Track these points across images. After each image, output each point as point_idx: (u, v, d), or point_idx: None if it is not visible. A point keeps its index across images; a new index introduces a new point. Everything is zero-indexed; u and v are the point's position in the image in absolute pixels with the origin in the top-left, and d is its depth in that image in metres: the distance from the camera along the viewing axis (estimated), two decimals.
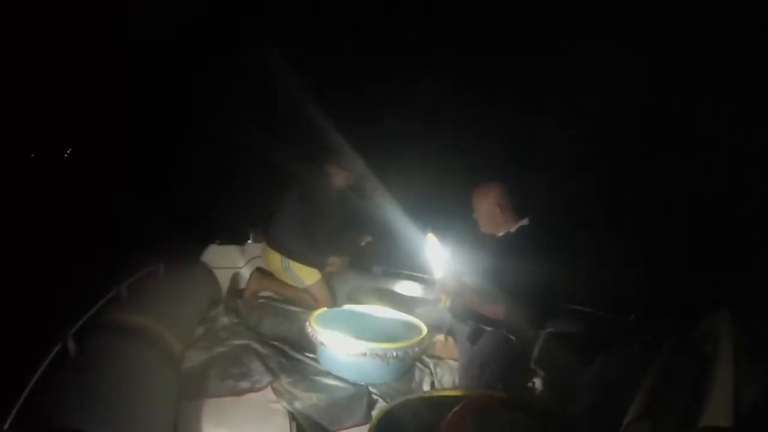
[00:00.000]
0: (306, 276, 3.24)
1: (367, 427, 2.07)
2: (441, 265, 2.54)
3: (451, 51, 6.65)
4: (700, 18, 4.65)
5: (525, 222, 2.53)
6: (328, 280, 3.37)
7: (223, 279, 3.39)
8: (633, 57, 5.18)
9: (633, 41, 5.22)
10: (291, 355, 2.57)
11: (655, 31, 5.12)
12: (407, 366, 2.46)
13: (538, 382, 2.27)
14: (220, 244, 3.49)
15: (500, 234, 2.57)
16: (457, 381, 2.42)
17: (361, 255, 3.53)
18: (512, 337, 2.37)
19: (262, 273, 3.35)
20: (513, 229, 2.54)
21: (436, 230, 2.61)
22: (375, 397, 2.26)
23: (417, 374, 2.49)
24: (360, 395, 2.22)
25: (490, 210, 2.54)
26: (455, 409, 1.57)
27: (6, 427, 1.31)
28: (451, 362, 2.60)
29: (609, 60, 5.22)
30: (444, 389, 2.35)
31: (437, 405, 1.66)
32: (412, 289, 3.41)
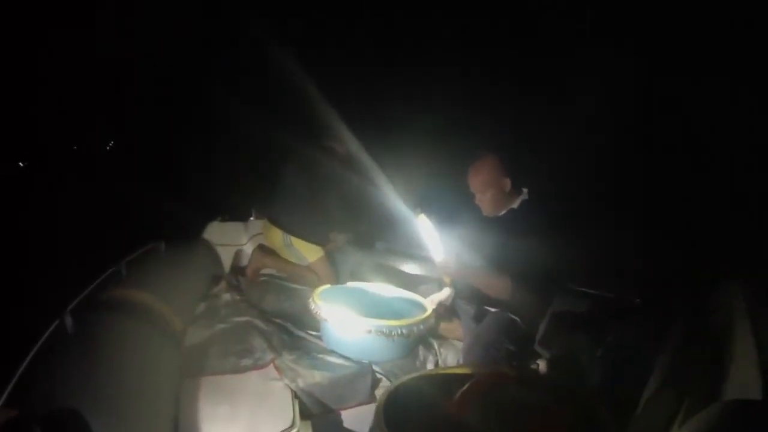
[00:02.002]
0: (308, 253, 3.21)
1: (370, 405, 2.05)
2: (438, 246, 2.43)
3: (456, 33, 6.59)
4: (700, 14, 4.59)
5: (525, 196, 2.46)
6: (330, 256, 3.33)
7: (226, 256, 3.35)
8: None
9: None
10: (293, 332, 2.53)
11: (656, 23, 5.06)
12: (412, 344, 2.41)
13: (542, 364, 2.23)
14: (223, 221, 3.45)
15: (503, 212, 2.48)
16: (461, 361, 2.37)
17: (364, 231, 3.50)
18: (516, 318, 2.32)
19: (264, 250, 3.32)
20: (516, 205, 2.46)
21: (427, 211, 2.50)
22: (379, 375, 2.22)
23: (421, 353, 2.44)
24: (363, 373, 2.18)
25: (489, 188, 2.42)
26: (465, 386, 1.54)
27: (1, 403, 1.28)
28: (456, 342, 2.56)
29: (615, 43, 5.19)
30: (451, 367, 2.30)
31: (445, 382, 1.62)
32: (415, 267, 3.37)
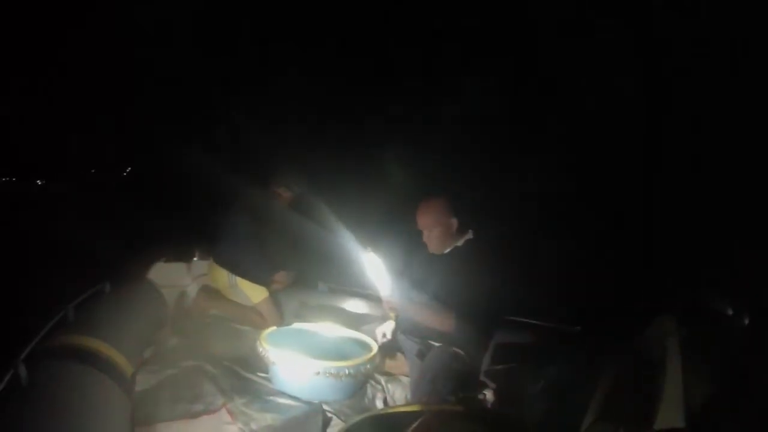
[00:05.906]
0: (253, 294, 3.23)
1: None
2: (384, 283, 2.53)
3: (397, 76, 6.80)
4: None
5: (470, 235, 2.57)
6: (275, 297, 3.37)
7: (170, 298, 3.31)
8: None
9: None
10: (243, 375, 2.56)
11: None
12: (360, 383, 2.50)
13: (489, 394, 2.32)
14: (166, 262, 3.41)
15: (447, 250, 2.59)
16: (409, 397, 2.47)
17: (307, 272, 3.54)
18: (461, 352, 2.42)
19: (209, 291, 3.32)
20: (460, 243, 2.56)
21: (376, 248, 2.61)
22: (329, 415, 2.28)
23: (369, 391, 2.53)
24: (314, 414, 2.24)
25: (437, 226, 2.52)
26: (413, 426, 1.63)
27: None
28: (403, 378, 2.66)
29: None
30: (400, 405, 2.39)
31: (395, 421, 1.69)
32: (359, 306, 3.45)
